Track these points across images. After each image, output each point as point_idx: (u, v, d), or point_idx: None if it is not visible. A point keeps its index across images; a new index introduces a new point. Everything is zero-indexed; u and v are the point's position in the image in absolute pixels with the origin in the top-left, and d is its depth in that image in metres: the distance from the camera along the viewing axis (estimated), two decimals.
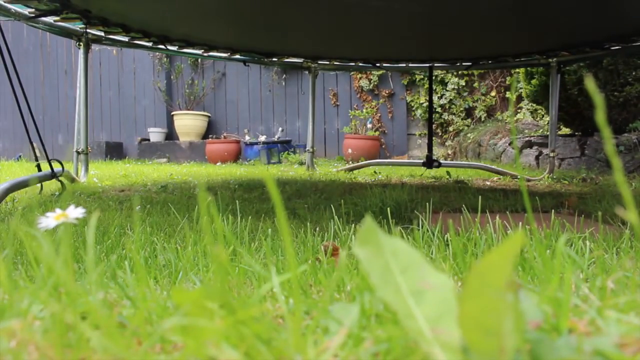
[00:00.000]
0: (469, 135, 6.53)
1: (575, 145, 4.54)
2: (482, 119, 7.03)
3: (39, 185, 2.56)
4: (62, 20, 2.88)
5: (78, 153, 3.29)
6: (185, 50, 3.80)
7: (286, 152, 7.22)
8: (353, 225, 1.25)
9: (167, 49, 3.69)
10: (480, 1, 2.46)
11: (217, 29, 3.33)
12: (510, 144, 5.34)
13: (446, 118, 7.21)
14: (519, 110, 6.72)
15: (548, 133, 4.32)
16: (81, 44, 3.22)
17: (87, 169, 3.31)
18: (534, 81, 4.72)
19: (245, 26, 3.21)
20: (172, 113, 8.20)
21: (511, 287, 0.34)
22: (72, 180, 3.10)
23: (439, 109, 7.21)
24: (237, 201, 1.84)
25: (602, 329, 0.40)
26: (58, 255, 0.46)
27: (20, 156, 7.94)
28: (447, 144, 7.21)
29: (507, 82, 6.92)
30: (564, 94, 4.23)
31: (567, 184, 3.41)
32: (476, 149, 6.08)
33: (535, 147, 4.94)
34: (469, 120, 7.16)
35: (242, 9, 2.76)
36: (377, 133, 7.38)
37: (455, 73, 7.03)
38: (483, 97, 7.10)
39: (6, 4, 2.55)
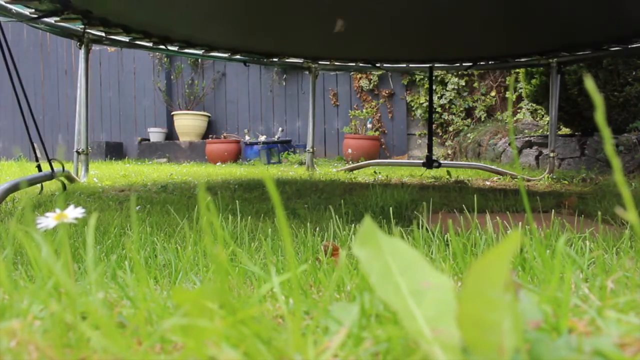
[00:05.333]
0: (468, 135, 6.53)
1: (575, 145, 4.54)
2: (482, 119, 7.03)
3: (39, 185, 2.56)
4: (62, 21, 2.88)
5: (78, 153, 3.29)
6: (185, 50, 3.81)
7: (286, 152, 7.22)
8: (353, 225, 1.25)
9: (168, 49, 3.69)
10: (480, 1, 2.46)
11: (218, 30, 3.33)
12: (510, 144, 5.34)
13: (446, 118, 7.21)
14: (519, 110, 6.72)
15: (548, 133, 4.32)
16: (82, 44, 3.22)
17: (87, 169, 3.31)
18: (534, 81, 4.72)
19: (246, 27, 3.21)
20: (172, 113, 8.20)
21: (509, 286, 0.34)
22: (72, 180, 3.10)
23: (439, 109, 7.21)
24: (237, 201, 1.84)
25: (602, 329, 0.40)
26: (58, 256, 0.46)
27: (20, 156, 7.94)
28: (447, 144, 7.21)
29: (507, 82, 6.92)
30: (564, 94, 4.23)
31: (567, 184, 3.41)
32: (476, 149, 6.08)
33: (535, 147, 4.94)
34: (469, 120, 7.16)
35: (242, 10, 2.76)
36: (377, 133, 7.38)
37: (455, 73, 7.03)
38: (483, 97, 7.10)
39: (6, 4, 2.55)
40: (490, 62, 4.19)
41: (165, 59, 8.36)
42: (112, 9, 2.79)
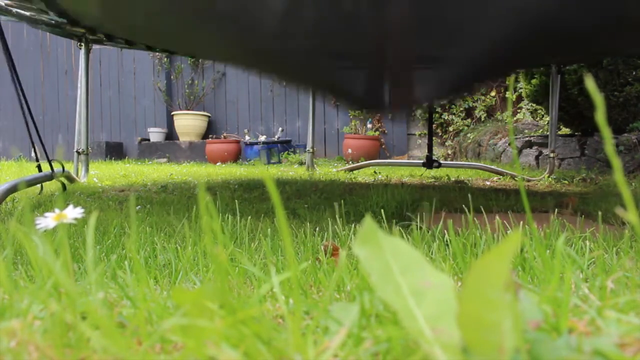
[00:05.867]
0: (468, 135, 6.53)
1: (575, 145, 4.54)
2: (482, 119, 7.03)
3: (39, 185, 2.56)
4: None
5: (78, 153, 3.29)
6: None
7: (286, 152, 7.22)
8: (353, 225, 1.25)
9: (168, 50, 3.70)
10: (480, 6, 2.46)
11: (221, 50, 3.35)
12: (510, 144, 5.34)
13: (446, 118, 7.22)
14: (519, 110, 6.72)
15: (548, 133, 4.32)
16: (82, 44, 3.22)
17: (87, 169, 3.31)
18: (534, 81, 4.72)
19: (250, 50, 3.23)
20: (172, 113, 8.20)
21: (510, 286, 0.34)
22: (72, 180, 3.10)
23: (438, 109, 7.21)
24: (237, 201, 1.84)
25: (602, 329, 0.40)
26: (58, 256, 0.46)
27: (20, 156, 7.94)
28: (447, 144, 7.21)
29: (507, 82, 6.92)
30: (564, 93, 4.23)
31: (567, 184, 3.41)
32: (476, 149, 6.08)
33: (535, 147, 4.94)
34: (469, 120, 7.16)
35: (247, 35, 2.78)
36: (377, 133, 7.38)
37: None
38: (483, 97, 7.10)
39: (8, 7, 2.55)
40: None
41: (165, 59, 8.36)
42: (117, 30, 2.82)
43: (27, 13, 2.70)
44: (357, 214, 1.87)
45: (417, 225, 1.00)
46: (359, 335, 0.40)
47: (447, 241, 0.95)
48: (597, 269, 0.71)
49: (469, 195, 1.23)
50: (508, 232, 1.14)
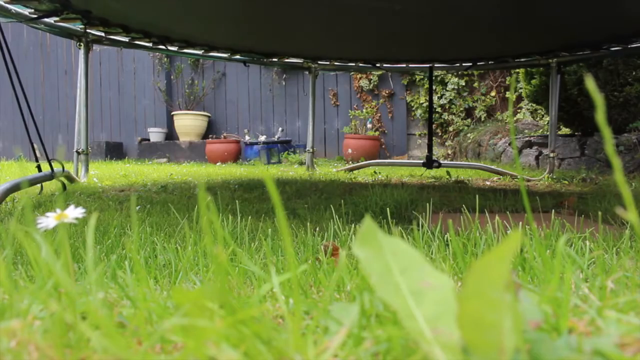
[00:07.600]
0: (468, 135, 6.53)
1: (575, 145, 4.54)
2: (482, 119, 7.03)
3: (39, 185, 2.56)
4: (62, 21, 2.88)
5: (78, 153, 3.29)
6: (185, 50, 3.81)
7: (286, 152, 7.22)
8: (353, 225, 1.25)
9: (168, 50, 3.69)
10: (480, 3, 2.46)
11: (218, 30, 3.33)
12: (510, 144, 5.34)
13: (446, 118, 7.21)
14: (519, 110, 6.72)
15: (548, 133, 4.32)
16: (82, 44, 3.22)
17: (87, 169, 3.31)
18: (534, 81, 4.72)
19: (246, 28, 3.21)
20: (172, 113, 8.20)
21: (510, 286, 0.34)
22: (72, 180, 3.10)
23: (439, 109, 7.21)
24: (237, 201, 1.84)
25: (602, 329, 0.40)
26: (58, 256, 0.46)
27: (20, 156, 7.94)
28: (447, 144, 7.21)
29: (507, 82, 6.92)
30: (563, 94, 4.23)
31: (567, 184, 3.41)
32: (476, 149, 6.07)
33: (535, 147, 4.94)
34: (469, 120, 7.16)
35: (243, 10, 2.76)
36: (377, 133, 7.38)
37: (455, 73, 7.03)
38: (483, 97, 7.10)
39: (6, 5, 2.55)
40: (490, 62, 4.19)
41: (165, 59, 8.36)
42: (111, 9, 2.80)
43: (26, 11, 2.70)
44: (357, 214, 1.87)
45: (417, 225, 1.00)
46: (359, 335, 0.40)
47: (447, 241, 0.95)
48: (597, 269, 0.71)
49: (469, 196, 1.23)
50: (508, 232, 1.15)
